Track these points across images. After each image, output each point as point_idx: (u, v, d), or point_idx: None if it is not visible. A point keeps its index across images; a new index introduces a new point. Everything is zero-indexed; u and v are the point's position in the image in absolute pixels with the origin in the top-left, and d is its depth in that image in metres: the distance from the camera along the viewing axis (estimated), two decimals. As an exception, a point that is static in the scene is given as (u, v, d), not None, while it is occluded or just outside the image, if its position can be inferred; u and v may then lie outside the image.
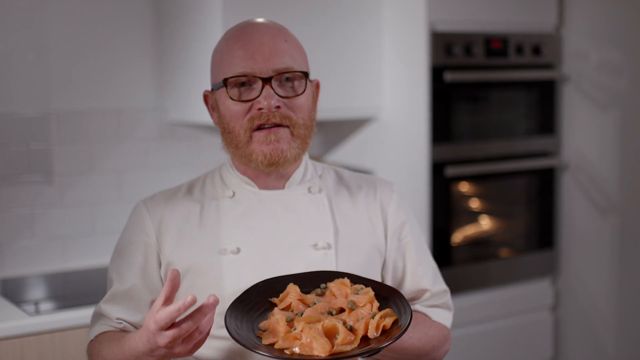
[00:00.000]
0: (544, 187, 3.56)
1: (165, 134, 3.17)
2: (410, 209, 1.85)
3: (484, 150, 3.33)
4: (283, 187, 1.73)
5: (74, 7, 2.98)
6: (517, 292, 3.49)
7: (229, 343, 1.64)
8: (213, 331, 1.63)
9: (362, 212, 1.77)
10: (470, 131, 3.30)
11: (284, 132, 1.64)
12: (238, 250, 1.66)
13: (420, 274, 1.80)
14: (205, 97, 1.76)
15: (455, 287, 3.26)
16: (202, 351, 1.67)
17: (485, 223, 3.48)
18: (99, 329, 1.70)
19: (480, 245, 3.44)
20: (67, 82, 2.99)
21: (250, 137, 1.64)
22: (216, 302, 1.42)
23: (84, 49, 3.01)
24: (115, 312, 1.70)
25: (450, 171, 3.19)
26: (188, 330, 1.41)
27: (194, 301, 1.38)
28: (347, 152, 3.47)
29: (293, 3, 2.99)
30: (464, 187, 3.36)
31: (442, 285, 1.84)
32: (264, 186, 1.72)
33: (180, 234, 1.69)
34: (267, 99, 1.61)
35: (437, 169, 3.18)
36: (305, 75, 1.67)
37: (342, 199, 1.77)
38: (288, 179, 1.73)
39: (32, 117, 2.93)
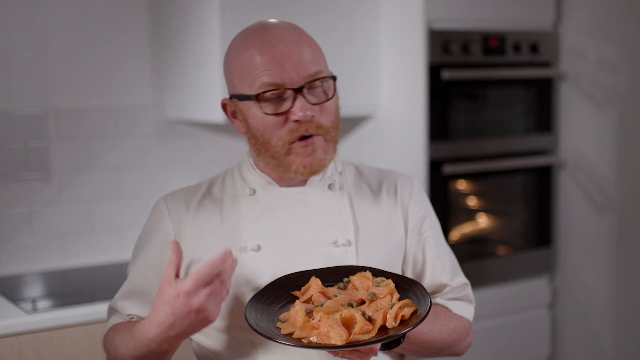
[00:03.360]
0: (541, 185, 3.57)
1: (164, 131, 3.17)
2: (429, 203, 1.86)
3: (482, 148, 3.33)
4: (304, 184, 1.74)
5: (72, 6, 2.98)
6: (515, 290, 3.49)
7: (245, 340, 1.65)
8: (231, 327, 1.65)
9: (383, 208, 1.77)
10: (468, 129, 3.30)
11: (319, 141, 1.64)
12: (259, 248, 1.67)
13: (439, 269, 1.80)
14: (224, 105, 1.73)
15: (453, 284, 3.27)
16: (210, 343, 1.69)
17: (483, 221, 3.49)
18: (113, 320, 1.73)
19: (477, 243, 3.45)
20: (65, 79, 2.99)
21: (289, 149, 1.64)
22: (227, 255, 1.48)
23: (83, 46, 3.01)
24: (128, 308, 1.71)
25: (448, 169, 3.20)
26: (224, 283, 1.46)
27: (232, 252, 1.45)
28: (345, 149, 3.47)
29: (291, 1, 2.99)
30: (462, 184, 3.37)
31: (462, 279, 1.85)
32: (285, 184, 1.73)
33: (200, 232, 1.70)
34: (302, 110, 1.61)
35: (435, 167, 3.19)
36: (333, 78, 1.68)
37: (362, 195, 1.77)
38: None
39: (30, 114, 2.93)
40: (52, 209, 2.98)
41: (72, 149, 3.01)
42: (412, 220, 1.79)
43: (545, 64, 3.49)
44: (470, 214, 3.44)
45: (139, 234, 1.79)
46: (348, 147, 3.45)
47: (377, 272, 1.61)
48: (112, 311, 1.76)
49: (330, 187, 1.75)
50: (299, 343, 1.42)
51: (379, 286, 1.55)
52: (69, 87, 2.99)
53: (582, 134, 3.49)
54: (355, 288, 1.57)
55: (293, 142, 1.63)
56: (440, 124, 3.19)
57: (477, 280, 3.37)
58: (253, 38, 1.65)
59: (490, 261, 3.43)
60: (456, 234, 3.34)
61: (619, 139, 3.36)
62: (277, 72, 1.61)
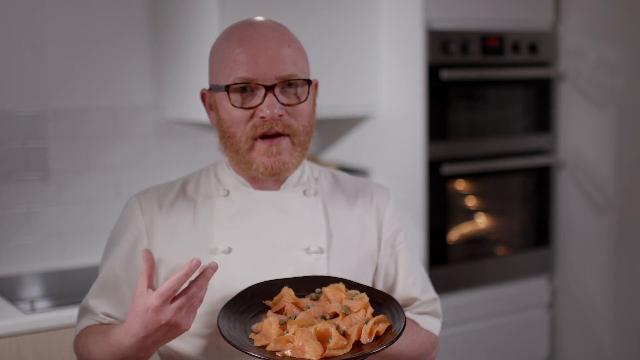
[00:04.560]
0: (540, 185, 3.57)
1: (163, 131, 3.17)
2: (404, 215, 1.85)
3: (481, 148, 3.33)
4: (279, 189, 1.72)
5: (71, 5, 2.98)
6: (514, 290, 3.49)
7: (212, 343, 1.64)
8: (199, 330, 1.63)
9: (357, 217, 1.76)
10: (467, 129, 3.30)
11: (285, 143, 1.63)
12: (229, 250, 1.65)
13: (410, 283, 1.79)
14: (203, 96, 1.74)
15: (452, 285, 3.27)
16: (185, 348, 1.66)
17: (482, 221, 3.49)
18: (85, 323, 1.69)
19: (476, 243, 3.45)
20: (64, 80, 2.98)
21: (252, 145, 1.63)
22: (216, 267, 1.45)
23: (81, 47, 3.01)
24: (101, 306, 1.68)
25: (447, 169, 3.20)
26: (193, 297, 1.42)
27: (198, 264, 1.39)
28: (344, 150, 3.47)
29: (290, 2, 2.99)
30: (461, 185, 3.37)
31: (431, 294, 1.84)
32: (259, 187, 1.71)
33: (172, 231, 1.68)
34: (270, 107, 1.60)
35: (434, 167, 3.19)
36: (308, 82, 1.66)
37: (337, 203, 1.76)
38: (284, 180, 1.72)
39: (29, 115, 2.93)
40: (51, 209, 2.98)
41: (71, 149, 3.01)
42: (387, 232, 1.77)
43: (544, 64, 3.49)
44: (469, 214, 3.44)
45: (110, 232, 1.77)
46: (347, 148, 3.45)
47: (350, 284, 1.59)
48: (83, 311, 1.71)
49: (305, 192, 1.73)
50: (274, 357, 1.40)
51: (352, 299, 1.53)
52: (68, 87, 2.99)
53: (581, 134, 3.49)
54: (328, 300, 1.55)
55: (257, 139, 1.62)
56: (439, 124, 3.19)
57: (476, 280, 3.37)
58: (236, 31, 1.66)
59: (489, 261, 3.43)
60: (455, 234, 3.34)
61: (618, 139, 3.36)
62: (251, 66, 1.60)
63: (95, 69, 3.04)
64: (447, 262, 3.27)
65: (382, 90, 3.25)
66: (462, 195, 3.40)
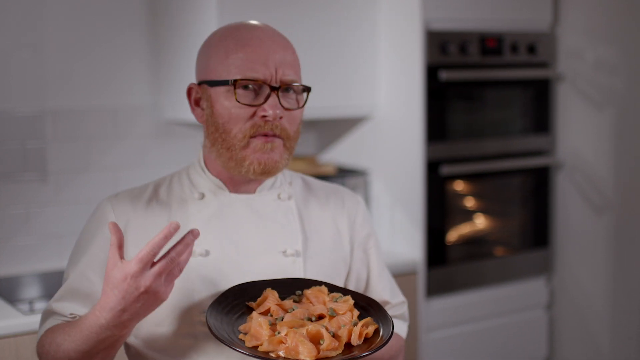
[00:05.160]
0: (539, 185, 3.57)
1: (162, 132, 3.17)
2: (372, 221, 1.88)
3: (479, 149, 3.33)
4: (254, 192, 1.72)
5: (69, 6, 2.98)
6: (512, 290, 3.49)
7: (198, 341, 1.62)
8: (178, 339, 1.62)
9: (330, 221, 1.78)
10: (466, 130, 3.30)
11: (278, 143, 1.64)
12: (207, 253, 1.65)
13: (381, 287, 1.82)
14: (190, 90, 1.71)
15: (450, 285, 3.27)
16: (168, 345, 1.64)
17: (480, 222, 3.49)
18: (51, 322, 1.64)
19: (475, 244, 3.45)
20: (63, 80, 2.98)
21: (248, 143, 1.63)
22: (197, 234, 1.43)
23: (80, 47, 3.01)
24: (70, 308, 1.64)
25: (446, 170, 3.20)
26: (173, 262, 1.40)
27: (177, 227, 1.38)
28: (343, 150, 3.47)
29: (289, 2, 2.99)
30: (459, 185, 3.37)
31: (400, 297, 1.87)
32: (235, 190, 1.71)
33: (146, 234, 1.64)
34: (273, 108, 1.61)
35: (432, 168, 3.19)
36: (308, 90, 1.68)
37: (310, 207, 1.77)
38: (260, 183, 1.73)
39: (27, 115, 2.93)
40: (49, 210, 2.98)
41: (70, 149, 3.01)
42: (358, 236, 1.80)
43: (543, 65, 3.49)
44: (467, 215, 3.44)
45: (77, 237, 1.73)
46: (345, 148, 3.46)
47: (331, 288, 1.61)
48: (47, 315, 1.66)
49: (279, 196, 1.74)
50: (268, 357, 1.41)
51: (337, 302, 1.54)
52: (67, 88, 2.99)
53: (579, 135, 3.50)
54: (310, 302, 1.57)
55: (253, 137, 1.62)
56: (437, 125, 3.19)
57: (474, 281, 3.38)
58: (241, 30, 1.66)
59: (487, 262, 3.43)
60: (454, 234, 3.34)
61: (616, 140, 3.36)
62: (260, 66, 1.61)
63: (95, 69, 3.04)
64: (445, 262, 3.27)
65: (381, 91, 3.25)
66: (461, 195, 3.40)
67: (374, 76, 3.24)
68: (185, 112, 3.02)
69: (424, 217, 3.17)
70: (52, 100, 2.97)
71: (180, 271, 1.45)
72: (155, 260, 1.42)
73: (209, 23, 2.84)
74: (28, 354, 2.40)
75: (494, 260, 3.46)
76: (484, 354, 3.43)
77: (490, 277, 3.42)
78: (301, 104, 1.67)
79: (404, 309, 1.86)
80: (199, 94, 1.69)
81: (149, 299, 1.42)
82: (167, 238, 1.39)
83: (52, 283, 2.87)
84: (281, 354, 1.41)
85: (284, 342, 1.42)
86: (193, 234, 1.43)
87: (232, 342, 1.43)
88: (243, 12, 2.85)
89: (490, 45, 3.31)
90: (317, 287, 1.59)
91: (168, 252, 1.42)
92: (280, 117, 1.62)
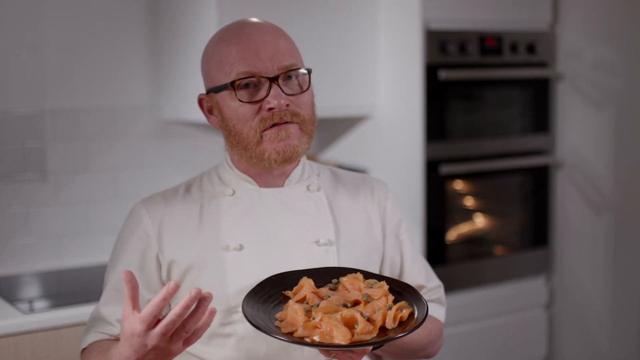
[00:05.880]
0: (538, 185, 3.57)
1: (161, 132, 3.17)
2: (402, 207, 1.88)
3: (479, 148, 3.33)
4: (282, 185, 1.74)
5: (69, 5, 2.98)
6: (512, 290, 3.49)
7: (234, 340, 1.65)
8: (218, 329, 1.65)
9: (360, 210, 1.79)
10: (465, 129, 3.30)
11: (293, 128, 1.65)
12: (241, 248, 1.67)
13: (416, 271, 1.83)
14: (201, 101, 1.75)
15: (450, 285, 3.27)
16: (208, 349, 1.67)
17: (480, 221, 3.49)
18: (92, 337, 1.68)
19: (474, 243, 3.45)
20: (62, 80, 2.98)
21: (261, 137, 1.64)
22: (198, 295, 1.37)
23: (79, 47, 3.01)
24: (114, 313, 1.68)
25: (445, 169, 3.20)
26: (173, 323, 1.37)
27: (177, 287, 1.36)
28: (342, 150, 3.47)
29: (288, 2, 2.99)
30: (459, 185, 3.37)
31: (436, 281, 1.88)
32: (264, 184, 1.73)
33: (180, 233, 1.69)
34: (277, 98, 1.62)
35: (432, 167, 3.19)
36: (308, 71, 1.68)
37: (340, 197, 1.79)
38: (288, 176, 1.75)
39: (27, 115, 2.93)
40: (49, 210, 2.98)
41: (69, 149, 3.01)
42: (390, 223, 1.81)
43: (542, 65, 3.49)
44: (467, 214, 3.44)
45: (114, 236, 1.78)
46: (345, 148, 3.46)
47: (366, 275, 1.63)
48: (93, 321, 1.70)
49: (308, 188, 1.75)
50: (304, 342, 1.43)
51: (372, 287, 1.56)
52: (66, 88, 2.99)
53: (579, 135, 3.50)
54: (346, 289, 1.58)
55: (265, 130, 1.64)
56: (437, 124, 3.19)
57: (474, 280, 3.38)
58: (230, 31, 1.69)
59: (487, 261, 3.43)
60: (453, 234, 3.34)
61: (615, 140, 3.36)
62: (252, 60, 1.63)
63: (94, 69, 3.04)
64: (445, 262, 3.27)
65: (380, 91, 3.26)
66: (461, 195, 3.40)
67: (373, 76, 3.24)
68: (184, 112, 3.02)
69: (423, 217, 3.17)
70: (52, 100, 2.97)
71: (197, 336, 1.42)
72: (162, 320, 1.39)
73: (208, 23, 2.84)
74: (27, 353, 2.40)
75: (494, 259, 3.47)
76: (484, 353, 3.43)
77: (490, 276, 3.42)
78: (305, 87, 1.67)
79: (440, 293, 1.87)
80: (209, 102, 1.72)
81: (159, 353, 1.42)
82: (166, 299, 1.36)
83: (51, 283, 2.87)
84: (316, 338, 1.43)
85: (318, 327, 1.44)
86: (190, 295, 1.37)
87: (268, 329, 1.45)
88: (243, 13, 2.85)
89: (490, 44, 3.31)
90: (353, 275, 1.60)
91: (180, 316, 1.38)
92: (287, 105, 1.63)
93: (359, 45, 3.19)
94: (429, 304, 1.80)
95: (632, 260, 3.34)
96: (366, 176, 1.88)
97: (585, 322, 3.52)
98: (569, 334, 3.60)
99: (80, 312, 2.49)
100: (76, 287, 2.86)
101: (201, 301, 1.40)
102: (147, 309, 1.37)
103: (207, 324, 1.42)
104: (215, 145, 3.26)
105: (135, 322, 1.38)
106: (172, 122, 3.18)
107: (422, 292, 1.82)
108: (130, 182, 3.12)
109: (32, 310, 2.50)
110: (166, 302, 1.37)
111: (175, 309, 1.36)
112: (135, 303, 1.39)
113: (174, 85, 3.06)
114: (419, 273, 1.83)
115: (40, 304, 2.61)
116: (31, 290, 2.82)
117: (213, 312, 1.40)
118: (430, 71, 3.14)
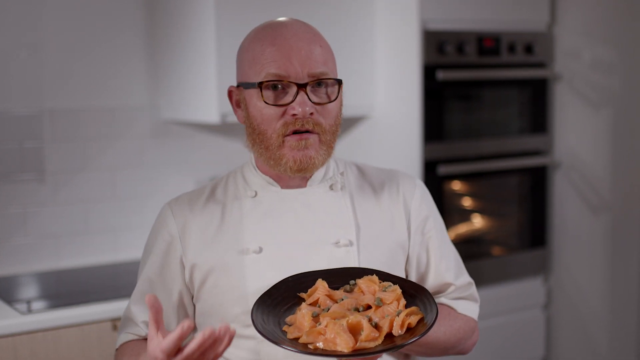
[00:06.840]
0: (536, 185, 3.57)
1: (159, 132, 3.17)
2: (432, 202, 1.85)
3: (476, 148, 3.34)
4: (305, 186, 1.74)
5: (68, 6, 2.98)
6: (509, 290, 3.49)
7: (254, 342, 1.66)
8: (239, 330, 1.65)
9: (385, 208, 1.78)
10: (463, 130, 3.31)
11: (313, 139, 1.65)
12: (260, 250, 1.67)
13: (443, 268, 1.80)
14: (230, 93, 1.75)
15: (448, 285, 3.27)
16: (229, 350, 1.68)
17: (478, 221, 3.49)
18: (124, 337, 1.73)
19: (472, 244, 3.45)
20: (60, 80, 2.98)
21: (283, 141, 1.64)
22: (212, 336, 1.38)
23: (78, 47, 3.01)
24: (141, 314, 1.71)
25: (443, 169, 3.20)
26: (193, 354, 1.39)
27: (190, 328, 1.38)
28: (340, 150, 3.47)
29: (287, 2, 2.99)
30: (456, 185, 3.37)
31: (466, 278, 1.85)
32: (286, 185, 1.73)
33: (203, 235, 1.70)
34: (302, 105, 1.62)
35: (430, 168, 3.19)
36: (339, 82, 1.69)
37: (364, 195, 1.78)
38: (310, 177, 1.75)
39: (25, 115, 2.93)
40: (47, 210, 2.98)
41: (68, 149, 3.01)
42: (415, 220, 1.79)
43: (540, 65, 3.50)
44: (465, 215, 3.44)
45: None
46: (343, 148, 3.46)
47: (384, 276, 1.61)
48: (125, 321, 1.75)
49: (331, 187, 1.75)
50: (306, 349, 1.41)
51: (385, 291, 1.54)
52: (64, 88, 2.99)
53: (576, 135, 3.50)
54: (362, 291, 1.57)
55: (287, 135, 1.64)
56: (435, 125, 3.20)
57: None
58: (268, 29, 1.69)
59: (485, 261, 3.43)
60: (451, 234, 3.35)
61: (613, 140, 3.36)
62: (284, 64, 1.63)
63: (92, 69, 3.04)
64: (443, 262, 3.27)
65: (378, 91, 3.26)
66: (458, 195, 3.41)
67: (371, 76, 3.24)
68: (182, 112, 3.02)
69: (421, 217, 3.17)
70: (50, 100, 2.97)
71: (216, 358, 1.43)
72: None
73: (206, 24, 2.84)
74: (26, 353, 2.40)
75: (491, 259, 3.47)
76: (482, 354, 3.43)
77: (488, 276, 3.43)
78: (333, 98, 1.67)
79: (471, 290, 1.83)
80: (238, 95, 1.72)
81: None
82: (181, 338, 1.38)
83: (49, 283, 2.87)
84: (320, 345, 1.42)
85: (322, 334, 1.43)
86: (204, 336, 1.38)
87: (271, 335, 1.44)
88: (241, 14, 2.86)
89: (488, 45, 3.31)
90: (369, 277, 1.59)
91: (200, 346, 1.39)
92: (311, 114, 1.63)
93: (357, 45, 3.19)
94: (459, 301, 1.80)
95: (630, 261, 3.34)
96: (393, 171, 1.86)
97: (583, 322, 3.52)
98: (566, 334, 3.60)
99: (78, 313, 2.49)
100: (75, 287, 2.85)
101: (218, 336, 1.40)
102: (167, 342, 1.39)
103: (226, 346, 1.42)
104: (212, 145, 3.26)
105: (157, 348, 1.40)
106: (171, 122, 3.18)
107: (448, 291, 1.80)
108: (129, 182, 3.12)
109: (30, 311, 2.50)
110: (181, 340, 1.38)
111: (192, 346, 1.38)
112: (159, 325, 1.41)
113: (172, 85, 3.06)
114: (446, 270, 1.80)
115: (38, 305, 2.61)
116: (29, 290, 2.82)
117: (232, 334, 1.41)
118: (428, 71, 3.15)
